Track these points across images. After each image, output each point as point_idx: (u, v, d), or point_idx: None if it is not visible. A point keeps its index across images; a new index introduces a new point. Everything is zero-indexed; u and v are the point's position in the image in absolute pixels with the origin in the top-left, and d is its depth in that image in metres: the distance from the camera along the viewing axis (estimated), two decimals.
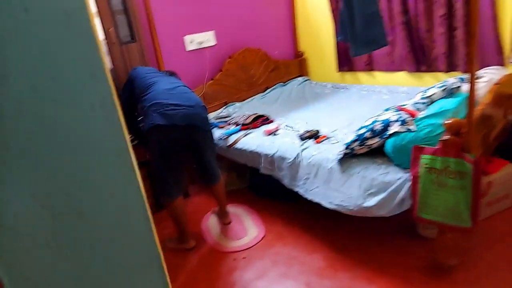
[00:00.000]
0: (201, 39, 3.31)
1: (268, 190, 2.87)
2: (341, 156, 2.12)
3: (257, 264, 2.21)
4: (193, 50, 3.28)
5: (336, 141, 2.43)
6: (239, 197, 2.96)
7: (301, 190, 2.34)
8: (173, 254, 2.39)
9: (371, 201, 1.99)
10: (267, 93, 3.78)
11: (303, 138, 2.53)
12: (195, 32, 3.27)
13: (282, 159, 2.43)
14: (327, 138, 2.50)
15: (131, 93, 2.37)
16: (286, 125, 2.88)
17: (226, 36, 3.49)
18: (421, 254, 2.10)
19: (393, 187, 1.92)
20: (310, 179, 2.26)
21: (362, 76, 3.91)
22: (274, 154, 2.48)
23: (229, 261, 2.27)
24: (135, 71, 2.44)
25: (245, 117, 2.99)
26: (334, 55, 3.98)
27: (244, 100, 3.59)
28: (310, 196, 2.28)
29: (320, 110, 3.18)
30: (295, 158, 2.35)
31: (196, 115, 2.23)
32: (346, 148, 2.11)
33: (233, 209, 2.76)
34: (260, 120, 2.99)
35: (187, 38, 3.22)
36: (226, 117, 3.18)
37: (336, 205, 2.14)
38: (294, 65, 4.20)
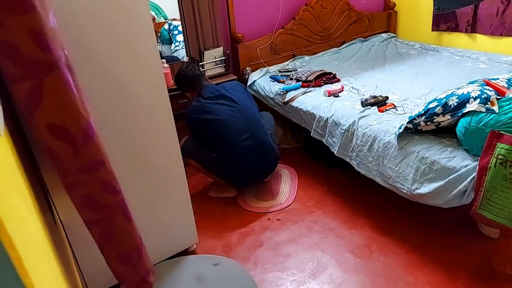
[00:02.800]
0: None
1: (322, 154, 2.70)
2: (401, 130, 1.85)
3: (291, 228, 2.14)
4: None
5: (403, 112, 2.13)
6: (290, 157, 2.85)
7: (353, 162, 2.14)
8: (214, 202, 2.43)
9: (427, 188, 1.73)
10: (342, 48, 3.44)
11: (365, 104, 2.26)
12: None
13: (336, 124, 2.22)
14: (394, 107, 2.20)
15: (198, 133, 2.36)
16: (352, 87, 2.60)
17: None
18: (475, 253, 1.82)
19: (455, 175, 1.63)
20: (363, 152, 2.04)
21: (460, 38, 3.31)
22: (328, 118, 2.27)
23: (263, 219, 2.24)
24: (193, 115, 2.29)
25: (309, 73, 2.77)
26: (431, 10, 3.40)
27: (314, 54, 3.32)
28: (363, 170, 2.07)
29: (397, 74, 2.80)
30: (350, 125, 2.13)
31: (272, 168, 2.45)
32: (409, 122, 1.82)
33: (278, 168, 2.67)
34: (324, 78, 2.75)
35: None
36: (291, 71, 2.99)
37: (390, 184, 1.92)
38: (381, 19, 3.72)
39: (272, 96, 2.72)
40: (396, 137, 1.88)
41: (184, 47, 2.75)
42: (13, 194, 0.51)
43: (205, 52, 2.70)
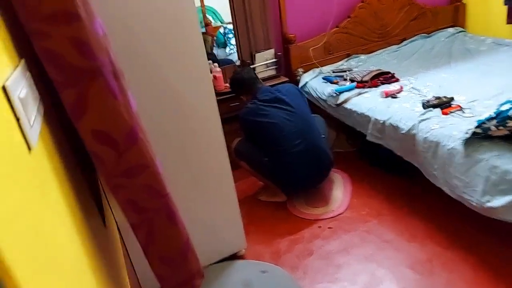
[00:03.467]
0: None
1: (379, 159, 2.54)
2: (469, 135, 1.66)
3: (343, 237, 2.03)
4: None
5: (471, 115, 1.92)
6: (343, 162, 2.72)
7: (421, 168, 1.97)
8: (263, 206, 2.40)
9: (499, 201, 1.53)
10: (402, 46, 3.23)
11: (427, 105, 2.08)
12: None
13: (394, 128, 2.07)
14: (460, 109, 1.99)
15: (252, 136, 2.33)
16: (412, 87, 2.42)
17: None
18: None
19: None
20: (427, 158, 1.87)
21: None
22: (385, 121, 2.13)
23: (314, 227, 2.15)
24: (248, 117, 2.28)
25: (365, 73, 2.63)
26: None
27: (371, 52, 3.15)
28: (431, 178, 1.90)
29: (464, 72, 2.55)
30: (409, 129, 1.97)
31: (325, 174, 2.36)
32: (478, 126, 1.63)
33: (331, 173, 2.55)
34: (381, 77, 2.58)
35: None
36: (346, 71, 2.86)
37: (457, 195, 1.74)
38: (447, 13, 3.43)
39: (324, 98, 2.62)
40: (462, 143, 1.69)
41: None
42: (35, 213, 0.51)
43: (256, 55, 2.68)
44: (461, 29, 3.40)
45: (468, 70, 2.58)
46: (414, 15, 3.27)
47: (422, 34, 3.32)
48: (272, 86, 2.55)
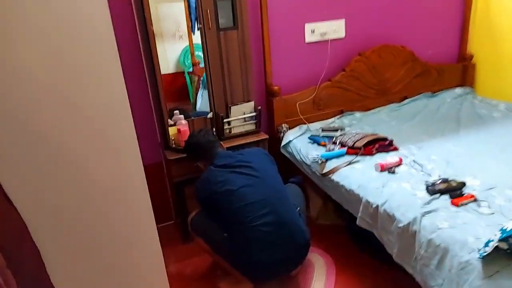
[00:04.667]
0: (326, 29, 2.62)
1: (371, 241, 2.06)
2: (490, 250, 1.21)
3: None
4: (313, 42, 2.62)
5: (489, 211, 1.48)
6: (328, 238, 2.26)
7: (417, 277, 1.50)
8: None
9: None
10: (403, 105, 2.85)
11: (432, 190, 1.65)
12: (320, 20, 2.59)
13: (390, 218, 1.62)
14: (475, 200, 1.56)
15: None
16: (414, 161, 2.00)
17: (359, 27, 2.70)
18: None
19: None
20: (430, 267, 1.41)
21: None
22: (379, 205, 1.68)
23: None
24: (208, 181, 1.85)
25: (358, 137, 2.22)
26: None
27: (368, 110, 2.77)
28: None
29: (476, 145, 2.14)
30: (409, 223, 1.52)
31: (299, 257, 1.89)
32: (503, 239, 1.19)
33: (311, 255, 2.08)
34: (377, 144, 2.17)
35: (308, 27, 2.58)
36: (337, 129, 2.47)
37: None
38: (455, 71, 3.08)
39: (308, 163, 2.20)
40: (480, 258, 1.24)
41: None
42: None
43: (232, 108, 2.29)
44: (470, 90, 3.05)
45: (481, 142, 2.18)
46: (418, 72, 2.92)
47: (426, 93, 2.96)
48: (239, 147, 2.16)
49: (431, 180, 1.75)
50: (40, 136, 0.99)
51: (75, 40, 0.98)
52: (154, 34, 2.01)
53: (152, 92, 2.24)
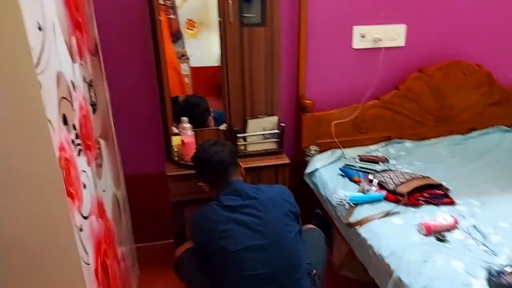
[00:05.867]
0: (381, 35, 2.12)
1: None
2: None
3: None
4: (362, 49, 2.14)
5: None
6: None
7: None
8: None
9: None
10: (470, 138, 2.28)
11: (496, 284, 1.15)
12: (373, 23, 2.11)
13: None
14: None
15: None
16: (473, 225, 1.48)
17: (424, 36, 2.17)
18: None
19: None
20: None
21: None
22: None
23: None
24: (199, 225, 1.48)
25: (403, 179, 1.74)
26: None
27: (422, 139, 2.24)
28: None
29: None
30: None
31: None
32: None
33: None
34: (427, 192, 1.67)
35: (358, 30, 2.10)
36: (377, 162, 1.99)
37: None
38: None
39: (334, 203, 1.76)
40: None
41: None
42: None
43: (249, 121, 1.90)
44: None
45: None
46: (494, 99, 2.32)
47: (502, 126, 2.35)
48: (254, 170, 1.79)
49: (496, 262, 1.24)
50: None
51: None
52: (160, 22, 1.68)
53: (159, 92, 1.92)
